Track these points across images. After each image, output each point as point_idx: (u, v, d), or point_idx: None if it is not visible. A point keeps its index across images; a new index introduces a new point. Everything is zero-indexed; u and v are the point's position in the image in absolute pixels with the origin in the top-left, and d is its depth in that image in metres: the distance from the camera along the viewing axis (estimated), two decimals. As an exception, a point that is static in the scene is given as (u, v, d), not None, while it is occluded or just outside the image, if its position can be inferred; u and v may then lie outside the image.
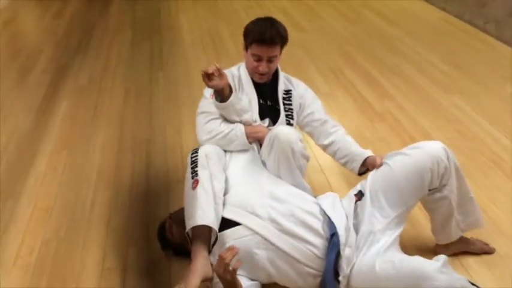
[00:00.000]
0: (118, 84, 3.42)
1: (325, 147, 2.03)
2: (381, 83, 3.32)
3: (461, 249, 1.92)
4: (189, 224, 1.67)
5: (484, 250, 1.93)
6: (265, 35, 1.85)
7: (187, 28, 4.50)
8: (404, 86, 3.25)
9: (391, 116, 2.89)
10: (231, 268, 1.43)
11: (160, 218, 2.00)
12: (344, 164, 1.99)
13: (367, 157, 1.92)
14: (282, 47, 1.96)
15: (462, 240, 1.92)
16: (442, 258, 1.52)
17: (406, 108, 2.98)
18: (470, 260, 1.89)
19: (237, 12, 4.76)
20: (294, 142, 1.80)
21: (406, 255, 1.66)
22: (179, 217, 1.82)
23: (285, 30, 1.96)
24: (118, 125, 2.88)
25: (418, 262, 1.56)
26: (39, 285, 1.81)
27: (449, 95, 3.13)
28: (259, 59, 1.91)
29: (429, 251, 1.92)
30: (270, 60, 1.91)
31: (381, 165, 1.83)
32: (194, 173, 1.76)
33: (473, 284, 1.52)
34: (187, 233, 1.69)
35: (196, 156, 1.80)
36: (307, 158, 1.91)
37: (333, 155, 2.01)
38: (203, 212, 1.67)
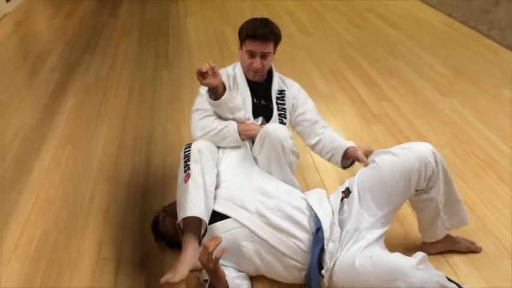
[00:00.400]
0: (123, 82, 3.51)
1: (312, 147, 2.09)
2: (379, 85, 3.36)
3: (448, 247, 1.96)
4: (180, 216, 1.73)
5: (471, 249, 1.97)
6: (259, 31, 1.92)
7: (194, 30, 4.58)
8: (403, 88, 3.29)
9: (387, 118, 2.93)
10: (214, 257, 1.48)
11: (156, 211, 2.07)
12: (329, 159, 2.04)
13: (348, 148, 1.96)
14: (275, 45, 2.02)
15: (449, 239, 1.95)
16: (419, 255, 1.55)
17: (403, 110, 3.02)
18: (456, 259, 1.93)
19: (243, 15, 4.83)
20: (284, 139, 1.85)
21: (385, 252, 1.69)
22: (172, 210, 1.88)
23: (278, 30, 2.02)
24: (121, 122, 2.96)
25: (395, 258, 1.59)
26: (37, 272, 1.89)
27: (447, 98, 3.16)
28: (252, 55, 1.97)
29: (416, 249, 1.94)
30: (263, 56, 1.97)
31: (362, 158, 1.87)
32: (186, 167, 1.82)
33: (451, 281, 1.56)
34: (178, 224, 1.76)
35: (189, 150, 1.86)
36: (297, 156, 1.96)
37: (320, 153, 2.07)
38: (193, 204, 1.73)
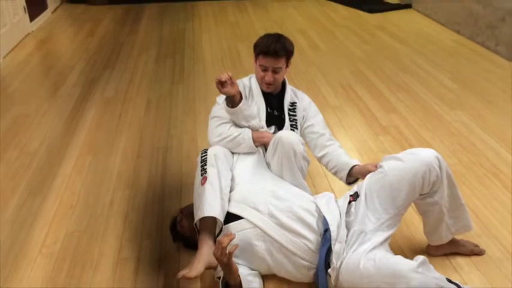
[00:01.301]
0: (141, 95, 3.67)
1: (319, 159, 2.20)
2: (388, 98, 3.47)
3: (452, 250, 2.03)
4: (198, 215, 1.84)
5: (474, 252, 2.04)
6: (270, 48, 2.05)
7: (209, 47, 4.75)
8: (411, 101, 3.39)
9: (395, 130, 3.03)
10: (227, 252, 1.59)
11: (173, 215, 2.18)
12: (334, 174, 2.15)
13: (353, 166, 2.07)
14: (287, 60, 2.14)
15: (453, 242, 2.02)
16: (419, 258, 1.60)
17: (411, 121, 3.12)
18: (460, 260, 2.00)
19: (257, 33, 4.99)
20: (296, 144, 1.97)
21: (388, 254, 1.75)
22: (189, 211, 2.00)
23: (291, 45, 2.14)
24: (139, 132, 3.10)
25: (396, 261, 1.66)
26: (61, 271, 2.00)
27: (455, 111, 3.25)
28: (265, 69, 2.10)
29: (422, 252, 2.03)
30: (275, 71, 2.10)
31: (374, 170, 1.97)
32: (203, 171, 1.94)
33: (451, 282, 1.62)
34: (195, 224, 1.87)
35: (206, 155, 1.98)
36: (307, 161, 2.07)
37: (326, 165, 2.18)
38: (210, 205, 1.85)
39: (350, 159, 2.13)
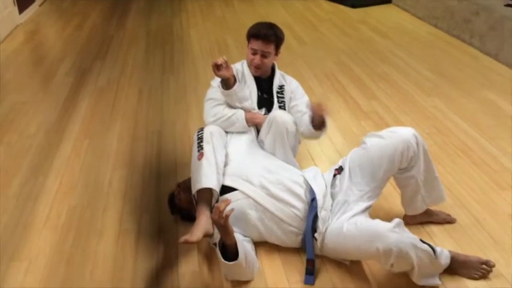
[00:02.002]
0: (133, 85, 3.80)
1: (302, 133, 2.36)
2: (369, 86, 3.67)
3: (427, 219, 2.23)
4: (196, 187, 2.01)
5: (446, 220, 2.24)
6: (261, 32, 2.23)
7: (197, 40, 4.90)
8: (390, 90, 3.60)
9: (376, 115, 3.23)
10: (224, 215, 1.75)
11: (171, 190, 2.33)
12: (309, 134, 2.28)
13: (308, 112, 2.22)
14: (276, 46, 2.31)
15: (427, 212, 2.22)
16: (396, 220, 1.80)
17: (391, 107, 3.32)
18: (434, 229, 2.20)
19: (244, 26, 5.13)
20: (289, 124, 2.17)
21: (369, 218, 1.96)
22: (186, 185, 2.16)
23: (282, 33, 2.32)
24: (133, 119, 3.25)
25: (375, 223, 1.87)
26: (67, 240, 2.15)
27: (431, 97, 3.47)
28: (254, 53, 2.27)
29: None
30: (264, 55, 2.27)
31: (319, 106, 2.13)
32: (200, 147, 2.10)
33: (424, 242, 1.81)
34: (193, 195, 2.03)
35: (202, 133, 2.15)
36: (298, 140, 2.26)
37: (303, 134, 2.33)
38: (207, 178, 2.01)
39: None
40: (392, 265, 1.78)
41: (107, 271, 1.98)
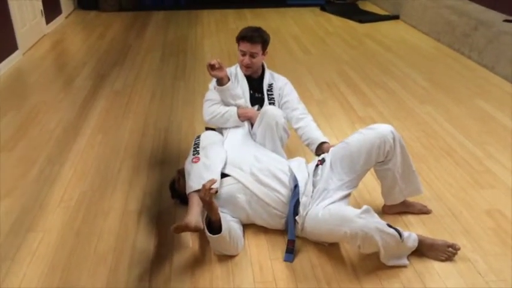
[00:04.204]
0: (146, 89, 4.09)
1: (295, 130, 2.61)
2: (367, 94, 3.88)
3: (404, 209, 2.42)
4: (188, 189, 2.18)
5: (422, 211, 2.42)
6: (248, 34, 2.50)
7: (209, 49, 5.20)
8: (387, 97, 3.81)
9: (370, 119, 3.44)
10: (209, 192, 1.96)
11: (172, 177, 2.57)
12: (307, 145, 2.57)
13: (322, 142, 2.48)
14: (263, 47, 2.56)
15: (405, 203, 2.41)
16: (364, 207, 2.00)
17: (385, 113, 3.53)
18: (410, 218, 2.39)
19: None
20: (279, 117, 2.41)
21: (342, 205, 2.16)
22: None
23: (267, 35, 2.58)
24: (143, 118, 3.52)
25: (345, 209, 2.08)
26: (77, 218, 2.40)
27: (424, 105, 3.66)
28: (243, 54, 2.54)
29: (378, 211, 2.41)
30: (252, 55, 2.53)
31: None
32: (196, 152, 2.32)
33: (391, 227, 2.00)
34: (187, 195, 2.22)
35: (199, 140, 2.38)
36: (287, 133, 2.49)
37: (300, 136, 2.59)
38: (200, 179, 2.15)
39: (321, 135, 2.54)
40: (359, 246, 1.99)
41: (109, 245, 2.22)
